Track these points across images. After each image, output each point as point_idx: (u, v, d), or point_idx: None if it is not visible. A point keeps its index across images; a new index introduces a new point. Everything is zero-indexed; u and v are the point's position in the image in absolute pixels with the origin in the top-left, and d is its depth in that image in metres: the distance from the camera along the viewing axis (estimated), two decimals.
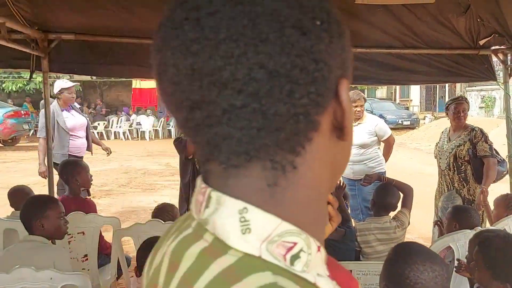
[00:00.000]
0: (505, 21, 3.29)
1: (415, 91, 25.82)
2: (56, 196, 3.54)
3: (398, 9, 3.16)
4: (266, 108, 0.38)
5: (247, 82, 0.37)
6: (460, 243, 2.27)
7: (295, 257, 0.39)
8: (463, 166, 3.54)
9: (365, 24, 3.31)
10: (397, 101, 25.26)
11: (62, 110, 4.38)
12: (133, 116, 17.27)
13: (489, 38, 3.48)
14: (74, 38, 3.44)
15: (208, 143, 0.41)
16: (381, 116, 11.51)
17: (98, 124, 16.36)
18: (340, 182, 3.12)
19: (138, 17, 3.27)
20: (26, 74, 16.48)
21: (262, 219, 0.39)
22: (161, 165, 10.42)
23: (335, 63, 0.41)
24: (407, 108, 23.59)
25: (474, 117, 15.97)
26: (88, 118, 4.89)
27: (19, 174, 9.10)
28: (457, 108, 3.57)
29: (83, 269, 2.72)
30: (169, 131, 17.40)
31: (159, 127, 17.04)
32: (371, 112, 8.95)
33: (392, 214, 2.79)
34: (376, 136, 4.08)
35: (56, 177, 3.72)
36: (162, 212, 2.81)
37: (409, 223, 2.78)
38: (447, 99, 6.89)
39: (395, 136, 4.78)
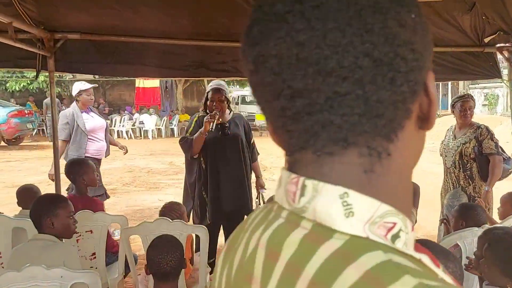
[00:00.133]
0: (510, 19, 3.29)
1: None
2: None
3: None
4: (369, 95, 0.40)
5: (352, 70, 0.39)
6: (467, 240, 2.27)
7: (395, 236, 0.41)
8: (469, 164, 3.54)
9: None
10: None
11: (82, 112, 4.38)
12: (136, 115, 17.29)
13: (494, 36, 3.48)
14: (79, 38, 3.45)
15: (305, 131, 0.42)
16: None
17: None
18: None
19: (144, 17, 3.29)
20: (29, 74, 16.57)
21: (363, 202, 0.41)
22: (164, 164, 10.44)
23: (426, 55, 0.44)
24: None
25: (478, 115, 15.87)
26: (107, 121, 4.90)
27: (23, 173, 9.13)
28: (464, 106, 3.57)
29: (91, 267, 2.73)
30: (172, 130, 17.42)
31: (162, 126, 17.05)
32: None
33: None
34: None
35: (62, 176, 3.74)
36: (169, 210, 2.82)
37: (416, 221, 2.79)
38: (450, 97, 6.86)
39: None
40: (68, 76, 17.37)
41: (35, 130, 15.28)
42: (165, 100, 17.69)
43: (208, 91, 3.43)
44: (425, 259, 0.40)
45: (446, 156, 3.70)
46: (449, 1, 3.10)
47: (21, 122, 13.42)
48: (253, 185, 3.71)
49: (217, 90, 3.39)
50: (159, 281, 1.89)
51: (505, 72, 5.00)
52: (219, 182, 3.38)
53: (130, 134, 16.53)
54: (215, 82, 3.53)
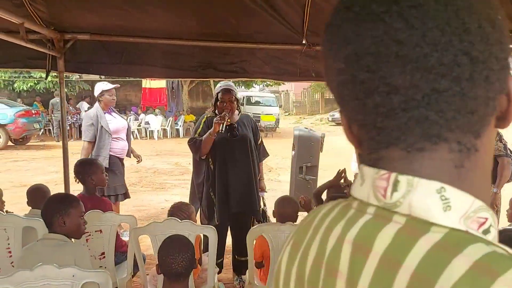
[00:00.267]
0: None
1: None
2: None
3: None
4: (466, 92, 0.42)
5: (451, 67, 0.41)
6: None
7: (486, 231, 0.42)
8: None
9: None
10: None
11: (104, 113, 4.40)
12: (142, 116, 17.35)
13: None
14: (89, 38, 3.47)
15: (398, 128, 0.44)
16: None
17: None
18: None
19: (152, 18, 3.30)
20: (36, 74, 16.65)
21: (460, 197, 0.42)
22: (170, 164, 10.47)
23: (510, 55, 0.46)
24: None
25: None
26: (128, 122, 4.92)
27: (31, 172, 9.19)
28: None
29: (100, 266, 2.75)
30: (177, 130, 17.47)
31: (168, 126, 17.11)
32: None
33: None
34: None
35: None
36: (178, 210, 2.83)
37: None
38: None
39: None
40: (75, 76, 17.46)
41: (42, 130, 15.37)
42: (171, 101, 17.74)
43: (218, 92, 3.44)
44: None
45: None
46: None
47: (28, 122, 13.51)
48: None
49: (227, 91, 3.40)
50: (170, 281, 1.89)
51: None
52: (227, 183, 3.39)
53: (136, 135, 16.57)
54: (224, 83, 3.54)
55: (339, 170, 3.08)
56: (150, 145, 14.27)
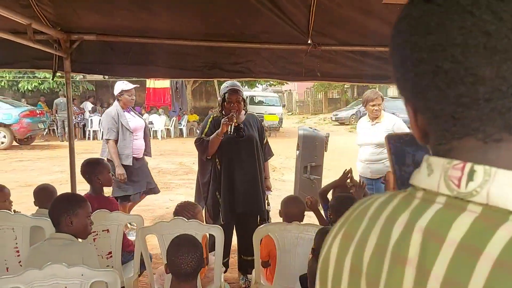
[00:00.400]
0: None
1: None
2: None
3: None
4: None
5: None
6: None
7: None
8: None
9: (384, 23, 3.31)
10: None
11: (124, 112, 4.41)
12: (145, 115, 17.37)
13: None
14: (95, 39, 3.49)
15: (478, 118, 0.45)
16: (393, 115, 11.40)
17: None
18: (360, 182, 3.14)
19: (158, 18, 3.31)
20: (40, 74, 16.68)
21: None
22: (174, 164, 10.49)
23: None
24: None
25: None
26: (146, 121, 4.93)
27: (36, 172, 9.22)
28: None
29: (107, 266, 2.76)
30: (181, 130, 17.49)
31: (171, 126, 17.14)
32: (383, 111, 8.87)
33: None
34: None
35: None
36: (183, 209, 2.84)
37: None
38: None
39: None
40: (79, 76, 17.51)
41: (46, 130, 15.43)
42: (175, 101, 17.76)
43: (225, 92, 3.44)
44: None
45: None
46: None
47: (33, 122, 13.57)
48: None
49: (235, 91, 3.40)
50: (179, 281, 1.90)
51: None
52: (233, 183, 3.40)
53: None
54: (230, 83, 3.54)
55: (345, 170, 3.08)
56: (154, 145, 14.16)
